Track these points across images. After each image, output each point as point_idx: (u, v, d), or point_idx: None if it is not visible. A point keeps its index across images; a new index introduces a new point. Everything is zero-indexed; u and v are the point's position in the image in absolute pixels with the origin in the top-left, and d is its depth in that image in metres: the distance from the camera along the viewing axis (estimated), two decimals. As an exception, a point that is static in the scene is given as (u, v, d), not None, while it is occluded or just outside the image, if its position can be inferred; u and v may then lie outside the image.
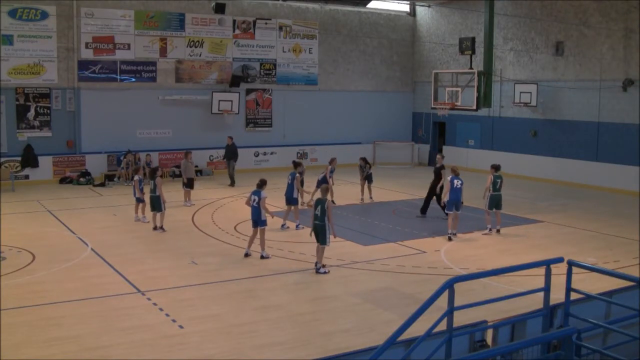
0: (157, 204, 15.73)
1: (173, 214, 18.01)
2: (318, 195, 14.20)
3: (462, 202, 15.70)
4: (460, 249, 14.37)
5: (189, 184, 19.42)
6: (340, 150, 27.78)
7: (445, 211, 15.52)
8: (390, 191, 22.14)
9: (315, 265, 12.41)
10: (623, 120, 22.35)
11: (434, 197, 17.63)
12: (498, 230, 15.72)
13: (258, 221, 13.17)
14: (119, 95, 24.50)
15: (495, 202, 15.60)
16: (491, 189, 15.55)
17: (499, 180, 15.58)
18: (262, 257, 13.27)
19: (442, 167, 17.48)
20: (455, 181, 15.21)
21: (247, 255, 13.36)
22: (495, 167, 15.77)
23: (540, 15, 24.88)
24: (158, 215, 15.86)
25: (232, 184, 23.05)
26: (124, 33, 24.32)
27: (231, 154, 23.27)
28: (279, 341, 8.96)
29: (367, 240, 15.00)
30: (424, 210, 17.82)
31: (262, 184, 13.40)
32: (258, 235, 13.42)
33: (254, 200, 13.15)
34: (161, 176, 16.10)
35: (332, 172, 18.76)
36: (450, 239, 14.95)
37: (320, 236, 12.18)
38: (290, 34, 27.75)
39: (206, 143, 23.33)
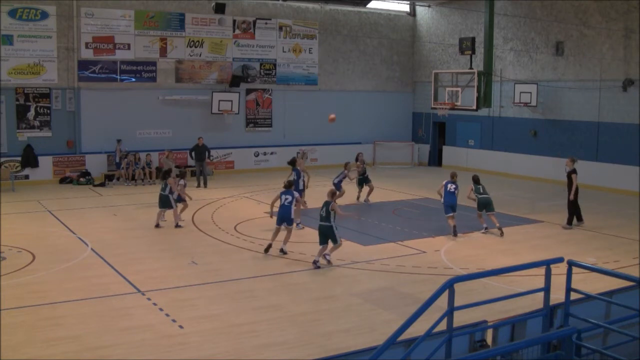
0: (166, 203, 16.13)
1: (171, 213, 18.01)
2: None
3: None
4: (460, 249, 14.38)
5: None
6: (340, 150, 27.76)
7: (445, 214, 15.63)
8: (390, 191, 22.13)
9: (324, 257, 12.84)
10: (623, 120, 22.34)
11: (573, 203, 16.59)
12: (500, 231, 15.54)
13: (288, 219, 13.60)
14: (119, 95, 24.49)
15: (484, 205, 15.83)
16: (476, 195, 15.94)
17: (479, 186, 16.01)
18: (282, 251, 13.57)
19: (574, 171, 16.53)
20: (449, 185, 15.63)
21: (283, 252, 13.60)
22: (475, 180, 16.24)
23: (540, 15, 24.88)
24: (166, 212, 16.24)
25: (205, 184, 22.64)
26: (124, 33, 24.31)
27: (200, 154, 22.99)
28: (279, 341, 8.95)
29: (367, 240, 15.01)
30: (569, 220, 16.64)
31: (290, 185, 14.13)
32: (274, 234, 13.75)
33: (287, 199, 13.62)
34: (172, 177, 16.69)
35: (344, 177, 18.81)
36: (455, 235, 15.31)
37: (330, 237, 12.63)
38: (290, 34, 27.74)
39: (206, 143, 23.36)
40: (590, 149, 23.41)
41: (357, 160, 20.00)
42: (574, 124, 24.02)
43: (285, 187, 14.06)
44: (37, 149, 22.97)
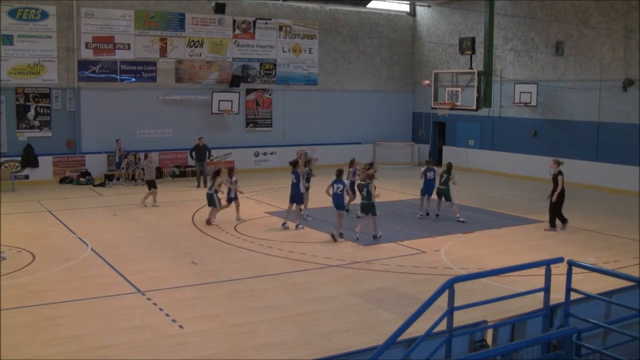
0: (212, 201, 16.53)
1: (171, 213, 18.04)
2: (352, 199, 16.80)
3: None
4: (460, 249, 14.37)
5: (151, 185, 19.18)
6: (340, 150, 27.78)
7: (421, 196, 17.74)
8: (390, 191, 22.10)
9: (375, 236, 14.89)
10: (623, 120, 22.34)
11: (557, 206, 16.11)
12: (458, 220, 16.96)
13: (342, 205, 15.04)
14: (119, 95, 24.50)
15: (440, 194, 17.37)
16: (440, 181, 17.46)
17: (445, 175, 17.26)
18: (341, 235, 14.96)
19: (559, 173, 16.01)
20: (428, 173, 17.44)
21: (341, 235, 14.97)
22: (447, 166, 17.61)
23: (540, 15, 24.88)
24: (212, 210, 16.59)
25: (205, 184, 22.51)
26: (124, 33, 24.32)
27: (200, 154, 22.95)
28: (279, 341, 8.95)
29: (367, 240, 15.00)
30: (552, 222, 16.19)
31: (340, 173, 15.29)
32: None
33: (338, 188, 15.03)
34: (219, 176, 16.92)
35: (354, 174, 18.17)
36: (421, 217, 17.36)
37: (370, 210, 14.82)
38: (290, 34, 27.75)
39: (206, 143, 23.37)
40: (590, 149, 23.42)
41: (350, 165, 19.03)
42: (574, 124, 24.02)
43: (337, 176, 15.26)
44: (37, 149, 22.98)
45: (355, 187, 16.91)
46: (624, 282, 7.03)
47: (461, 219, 16.90)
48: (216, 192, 16.54)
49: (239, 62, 26.70)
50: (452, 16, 28.62)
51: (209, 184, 16.79)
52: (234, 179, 16.96)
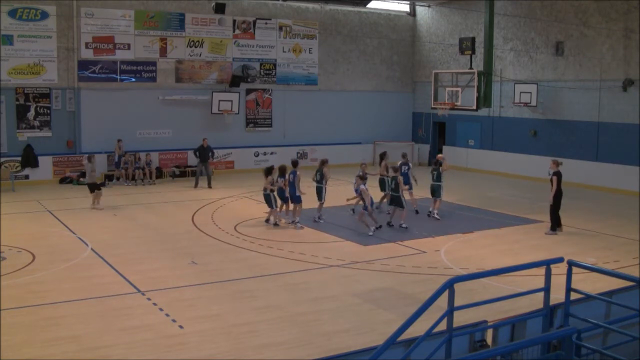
0: (267, 201, 16.51)
1: (171, 214, 18.04)
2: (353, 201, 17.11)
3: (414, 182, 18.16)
4: (460, 249, 14.37)
5: (92, 187, 18.68)
6: (340, 150, 27.79)
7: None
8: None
9: (401, 225, 16.05)
10: (623, 120, 22.34)
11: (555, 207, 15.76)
12: (430, 214, 17.40)
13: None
14: (119, 95, 24.49)
15: (431, 191, 17.58)
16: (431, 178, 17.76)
17: (434, 173, 17.54)
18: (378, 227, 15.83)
19: (554, 174, 15.64)
20: (403, 167, 17.83)
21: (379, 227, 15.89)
22: (435, 162, 18.21)
23: (540, 15, 24.88)
24: (271, 211, 16.55)
25: (209, 184, 22.49)
26: (124, 33, 24.31)
27: (204, 155, 22.85)
28: (279, 341, 8.95)
29: (367, 240, 15.00)
30: (558, 224, 15.89)
31: (362, 178, 15.92)
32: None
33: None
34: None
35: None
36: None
37: (397, 204, 16.14)
38: (290, 34, 27.74)
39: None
40: (590, 149, 23.41)
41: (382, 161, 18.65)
42: (574, 124, 24.01)
43: (363, 178, 15.91)
44: (37, 149, 22.97)
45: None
46: (624, 282, 7.03)
47: (436, 216, 17.22)
48: (272, 191, 16.33)
49: (239, 62, 26.69)
50: (452, 16, 28.61)
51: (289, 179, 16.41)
52: (284, 178, 16.45)
